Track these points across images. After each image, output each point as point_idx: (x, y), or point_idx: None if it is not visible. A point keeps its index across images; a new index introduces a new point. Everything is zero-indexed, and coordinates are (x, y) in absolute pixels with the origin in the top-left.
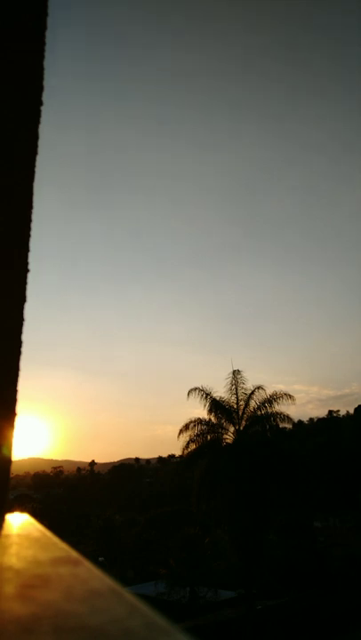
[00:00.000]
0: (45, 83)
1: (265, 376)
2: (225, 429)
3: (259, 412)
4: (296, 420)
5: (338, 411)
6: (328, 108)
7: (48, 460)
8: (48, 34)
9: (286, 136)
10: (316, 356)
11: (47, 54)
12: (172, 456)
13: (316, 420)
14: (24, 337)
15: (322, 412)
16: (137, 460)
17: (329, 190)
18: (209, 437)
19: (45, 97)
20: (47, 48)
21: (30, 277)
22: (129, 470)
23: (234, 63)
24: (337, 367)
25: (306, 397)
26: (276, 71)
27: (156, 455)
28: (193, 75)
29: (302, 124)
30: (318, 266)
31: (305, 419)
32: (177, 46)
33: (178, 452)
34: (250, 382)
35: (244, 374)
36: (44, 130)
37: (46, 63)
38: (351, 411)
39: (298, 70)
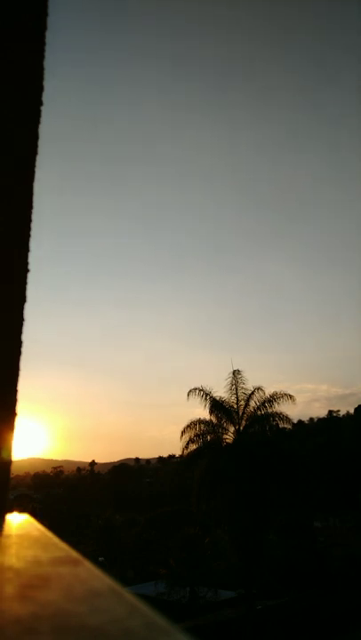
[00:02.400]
0: (45, 83)
1: (273, 374)
2: (225, 429)
3: (259, 412)
4: (296, 420)
5: (338, 411)
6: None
7: (48, 459)
8: (48, 34)
9: (296, 132)
10: (327, 353)
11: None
12: (172, 456)
13: (316, 419)
14: (24, 337)
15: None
16: (137, 460)
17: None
18: (209, 437)
19: (46, 93)
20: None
21: (30, 277)
22: (129, 470)
23: (258, 46)
24: (348, 364)
25: (312, 396)
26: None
27: (156, 455)
28: (207, 62)
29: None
30: (329, 261)
31: (314, 417)
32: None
33: (178, 452)
34: (259, 380)
35: (248, 373)
36: (43, 124)
37: (46, 62)
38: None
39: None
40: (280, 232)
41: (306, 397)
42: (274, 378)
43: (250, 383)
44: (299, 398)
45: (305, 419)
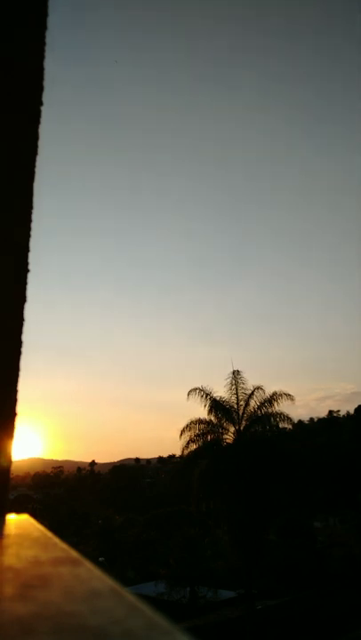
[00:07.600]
0: (45, 83)
1: (283, 373)
2: (225, 429)
3: (259, 412)
4: (296, 420)
5: (338, 411)
6: None
7: (48, 460)
8: (48, 34)
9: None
10: (342, 350)
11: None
12: (172, 456)
13: (316, 419)
14: (24, 337)
15: (341, 408)
16: (137, 460)
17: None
18: (209, 437)
19: (46, 93)
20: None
21: (30, 277)
22: (129, 470)
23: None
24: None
25: (324, 393)
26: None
27: (156, 455)
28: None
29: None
30: (342, 257)
31: (324, 415)
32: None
33: (178, 452)
34: (267, 378)
35: (256, 372)
36: (44, 122)
37: (46, 63)
38: None
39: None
40: (287, 228)
41: (317, 395)
42: (286, 375)
43: (262, 381)
44: (312, 396)
45: (319, 416)
